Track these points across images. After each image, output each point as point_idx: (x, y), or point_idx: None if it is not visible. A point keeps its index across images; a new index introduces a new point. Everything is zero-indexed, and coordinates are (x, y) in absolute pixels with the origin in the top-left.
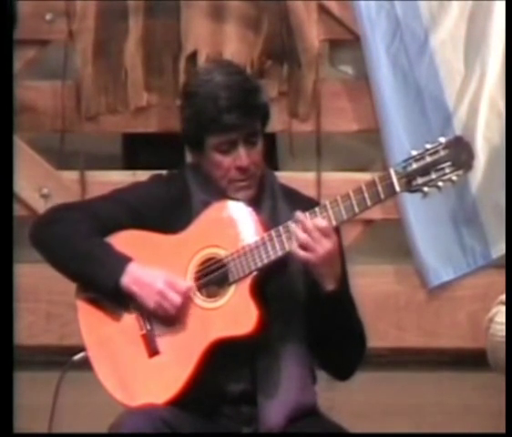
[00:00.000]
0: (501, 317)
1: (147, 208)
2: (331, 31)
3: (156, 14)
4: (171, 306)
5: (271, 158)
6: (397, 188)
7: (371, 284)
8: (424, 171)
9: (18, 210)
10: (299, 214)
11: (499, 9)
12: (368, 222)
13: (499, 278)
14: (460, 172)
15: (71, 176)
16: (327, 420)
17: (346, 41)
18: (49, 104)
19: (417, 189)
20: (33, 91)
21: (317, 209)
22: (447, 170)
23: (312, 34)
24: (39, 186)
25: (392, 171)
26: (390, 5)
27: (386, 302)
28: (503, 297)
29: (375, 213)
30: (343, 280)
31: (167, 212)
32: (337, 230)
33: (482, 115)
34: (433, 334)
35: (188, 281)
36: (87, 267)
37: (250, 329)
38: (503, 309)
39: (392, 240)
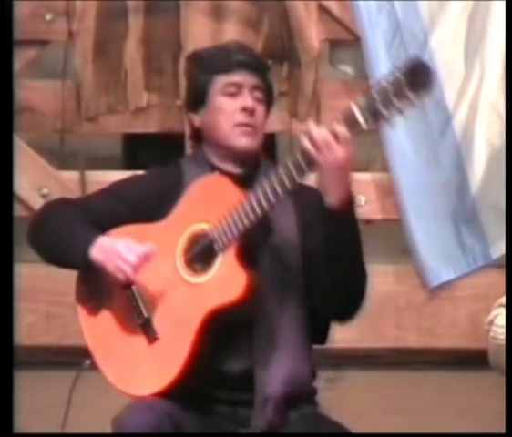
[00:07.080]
0: (502, 320)
1: (142, 201)
2: (331, 31)
3: (156, 14)
4: (128, 266)
5: (271, 158)
6: (362, 123)
7: (371, 284)
8: (387, 100)
9: (18, 210)
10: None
11: (499, 9)
12: (368, 222)
13: (499, 278)
14: (422, 93)
15: (71, 176)
16: (326, 418)
17: (346, 41)
18: (49, 104)
19: (383, 119)
20: (33, 91)
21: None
22: (409, 95)
23: (312, 34)
24: (39, 186)
25: (354, 107)
26: (390, 5)
27: (386, 302)
28: (503, 299)
29: (375, 213)
30: (350, 207)
31: (163, 204)
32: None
33: (482, 115)
34: (433, 334)
35: (151, 246)
36: (60, 244)
37: (239, 293)
38: (503, 311)
39: (392, 240)
